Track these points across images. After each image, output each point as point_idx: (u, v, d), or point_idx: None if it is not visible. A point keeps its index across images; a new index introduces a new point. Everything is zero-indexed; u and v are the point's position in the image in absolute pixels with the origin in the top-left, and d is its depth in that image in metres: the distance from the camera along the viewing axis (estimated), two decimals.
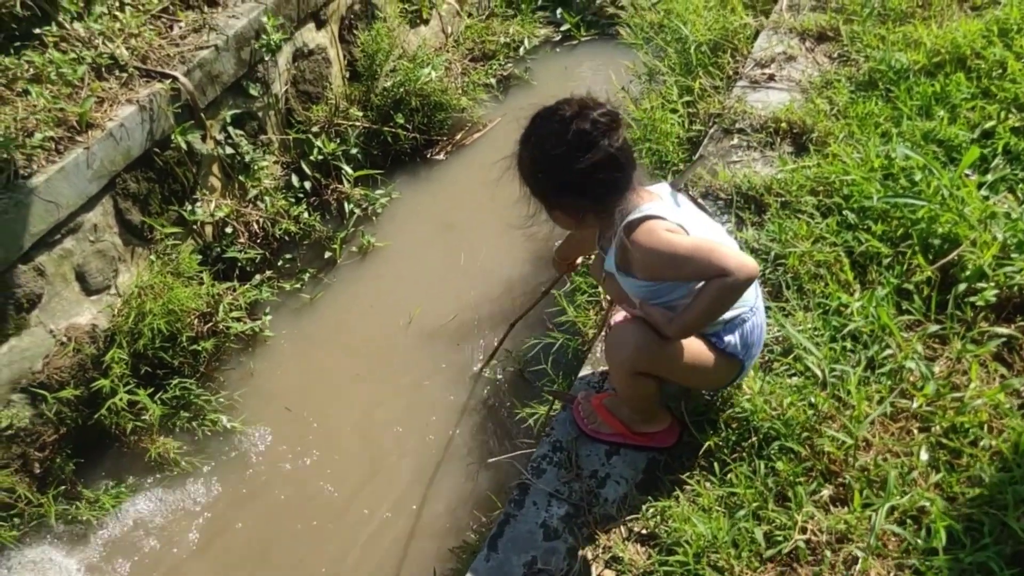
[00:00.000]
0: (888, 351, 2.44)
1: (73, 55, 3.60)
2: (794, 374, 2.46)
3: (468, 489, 3.28)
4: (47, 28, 3.60)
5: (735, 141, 3.41)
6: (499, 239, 4.32)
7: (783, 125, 3.39)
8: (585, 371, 2.67)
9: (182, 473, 3.56)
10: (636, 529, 2.21)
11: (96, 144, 3.45)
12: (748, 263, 1.89)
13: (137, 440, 3.57)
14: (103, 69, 3.67)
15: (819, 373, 2.39)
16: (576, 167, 1.95)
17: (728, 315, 2.10)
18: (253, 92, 4.24)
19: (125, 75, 3.70)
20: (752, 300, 2.16)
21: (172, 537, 3.38)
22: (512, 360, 3.76)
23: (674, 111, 3.77)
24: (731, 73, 3.92)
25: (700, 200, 3.06)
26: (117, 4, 3.86)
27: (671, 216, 2.00)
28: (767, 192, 3.06)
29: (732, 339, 2.14)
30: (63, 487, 3.44)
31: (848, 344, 2.49)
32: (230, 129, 4.16)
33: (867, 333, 2.50)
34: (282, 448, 3.64)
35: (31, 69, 3.47)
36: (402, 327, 4.07)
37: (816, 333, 2.53)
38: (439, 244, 4.51)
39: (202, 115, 3.91)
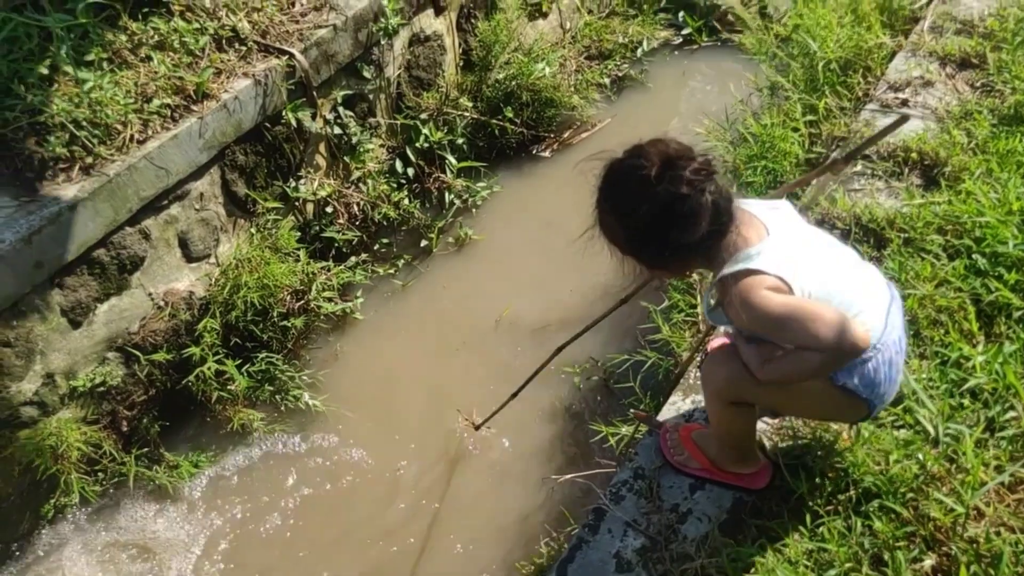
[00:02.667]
0: (1012, 413, 2.25)
1: (197, 25, 3.65)
2: (903, 426, 2.29)
3: (541, 499, 3.20)
4: None
5: (858, 168, 3.21)
6: (597, 242, 4.21)
7: (913, 155, 3.17)
8: (675, 397, 2.55)
9: (262, 446, 3.60)
10: (714, 573, 2.09)
11: (210, 114, 3.49)
12: (849, 340, 1.66)
13: (221, 409, 3.62)
14: (224, 41, 3.71)
15: (931, 429, 2.21)
16: (690, 234, 1.72)
17: None
18: (366, 74, 4.24)
19: (244, 48, 3.74)
20: (877, 336, 1.86)
21: (246, 510, 3.41)
22: (599, 370, 3.65)
23: (795, 130, 3.59)
24: (860, 95, 3.71)
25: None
26: None
27: (773, 267, 1.77)
28: (889, 226, 2.87)
29: (850, 381, 1.89)
30: (146, 449, 3.52)
31: (966, 401, 2.30)
32: (340, 109, 4.17)
33: (989, 391, 2.31)
34: (361, 432, 3.63)
35: (156, 36, 3.54)
36: (491, 324, 4.01)
37: (931, 385, 2.35)
38: (536, 242, 4.42)
39: (314, 93, 3.93)
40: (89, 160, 3.19)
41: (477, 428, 3.30)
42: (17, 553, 3.28)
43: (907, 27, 4.02)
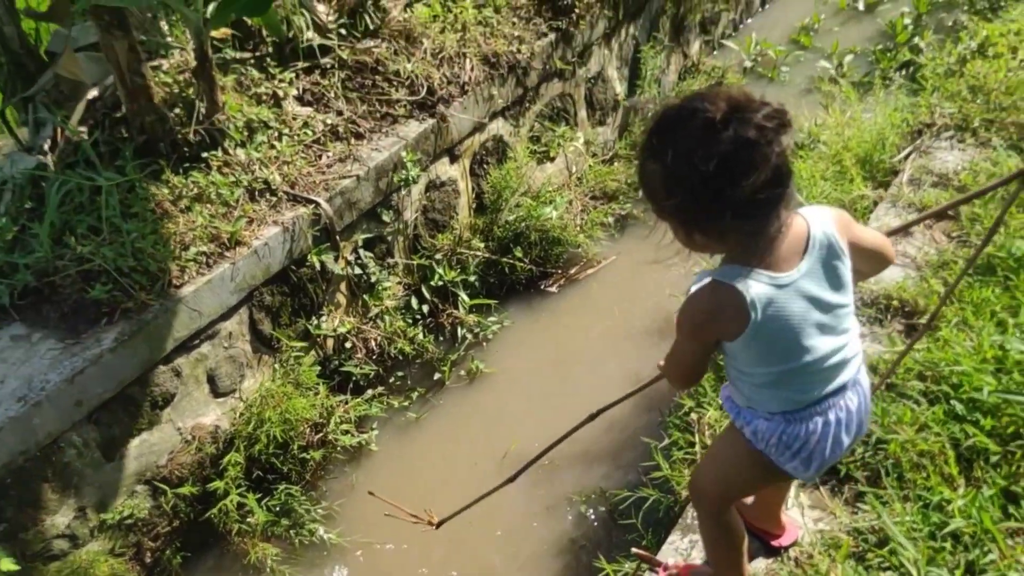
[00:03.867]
0: (991, 556, 2.39)
1: (232, 178, 3.98)
2: (888, 568, 2.43)
3: None
4: (213, 153, 4.01)
5: None
6: (604, 376, 4.42)
7: (895, 303, 3.41)
8: (675, 536, 2.70)
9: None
10: None
11: (241, 260, 3.78)
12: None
13: (240, 541, 3.75)
14: (256, 192, 4.04)
15: (914, 572, 2.36)
16: (741, 188, 1.54)
17: (764, 402, 1.91)
18: (386, 218, 4.56)
19: (274, 198, 4.06)
20: (807, 404, 1.87)
21: None
22: (605, 501, 3.80)
23: None
24: None
25: None
26: (276, 135, 4.26)
27: (759, 304, 1.69)
28: (872, 371, 3.07)
29: (753, 429, 1.95)
30: None
31: (948, 544, 2.44)
32: (361, 251, 4.46)
33: (969, 534, 2.45)
34: (375, 562, 3.74)
35: (195, 188, 3.86)
36: (499, 458, 4.17)
37: (914, 528, 2.50)
38: (545, 375, 4.63)
39: (337, 237, 4.23)
40: (129, 304, 3.45)
41: (437, 527, 3.19)
42: None
43: (887, 179, 4.32)
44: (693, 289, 1.79)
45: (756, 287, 1.69)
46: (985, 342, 3.03)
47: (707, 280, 1.75)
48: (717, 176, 1.54)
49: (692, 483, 2.26)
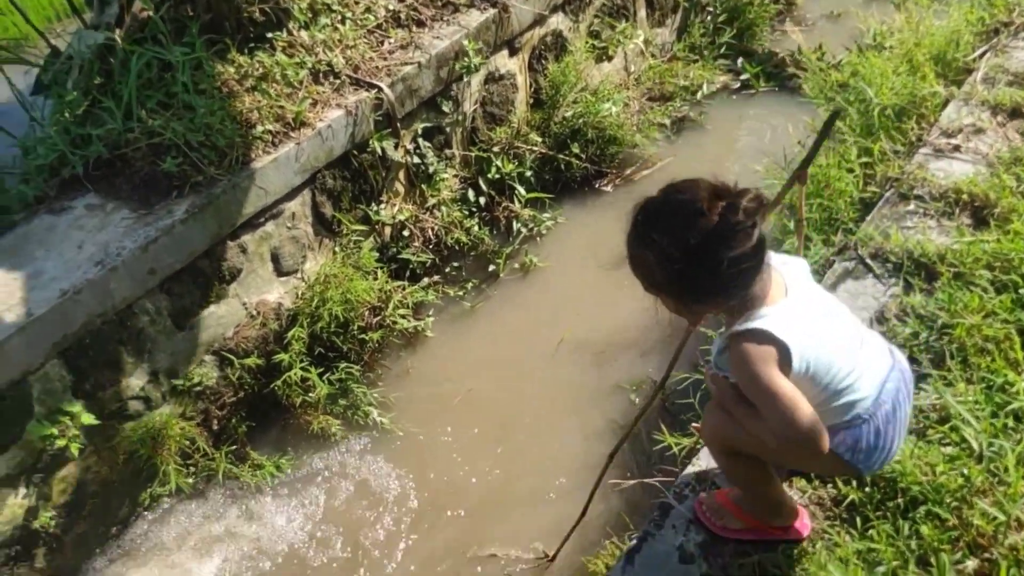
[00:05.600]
0: None
1: (297, 59, 3.99)
2: (948, 444, 2.47)
3: (601, 506, 3.41)
4: (278, 34, 4.02)
5: (911, 207, 3.41)
6: None
7: (964, 197, 3.36)
8: (702, 460, 2.69)
9: (338, 452, 3.85)
10: (769, 567, 2.27)
11: (305, 141, 3.81)
12: (808, 438, 1.75)
13: (303, 414, 3.89)
14: (320, 74, 4.05)
15: (976, 446, 2.39)
16: (725, 261, 1.73)
17: (831, 421, 1.95)
18: (445, 108, 4.55)
19: (338, 81, 4.07)
20: (868, 406, 1.97)
21: (321, 511, 3.65)
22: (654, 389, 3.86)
23: (850, 171, 3.80)
24: (914, 139, 3.90)
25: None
26: (339, 18, 4.25)
27: (782, 331, 1.83)
28: (940, 261, 3.05)
29: (838, 440, 1.97)
30: (234, 446, 3.79)
31: (1010, 422, 2.47)
32: (420, 140, 4.47)
33: None
34: (428, 445, 3.86)
35: (260, 68, 3.88)
36: (553, 345, 4.24)
37: (977, 407, 2.52)
38: (597, 271, 4.65)
39: (398, 125, 4.24)
40: (199, 178, 3.52)
41: (552, 560, 3.26)
42: (116, 537, 3.56)
43: (960, 78, 4.21)
44: (724, 355, 1.95)
45: (773, 322, 1.85)
46: None
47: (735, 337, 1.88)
48: (709, 255, 1.74)
49: (713, 431, 2.16)
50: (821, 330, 1.93)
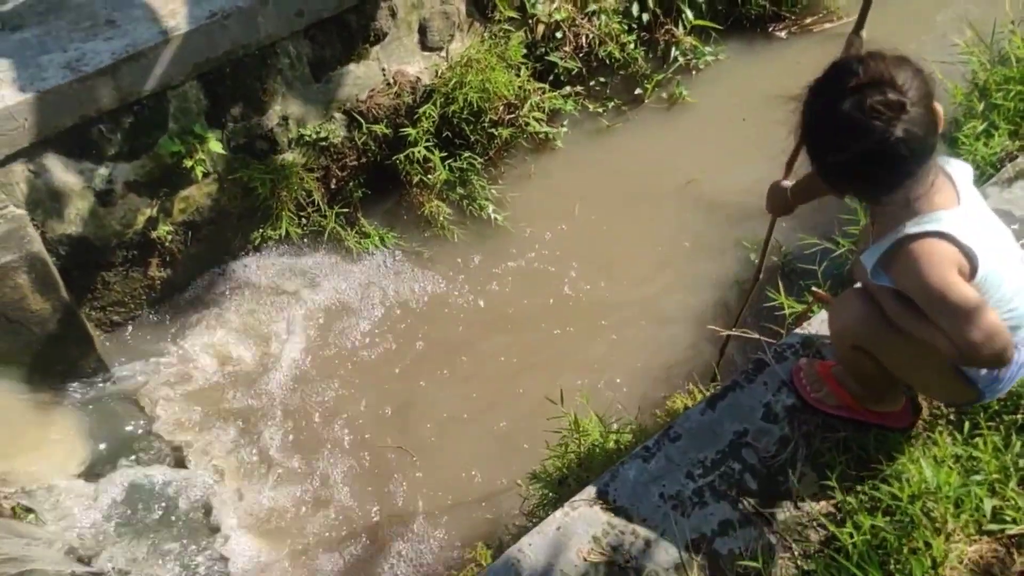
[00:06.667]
0: None
1: None
2: None
3: (692, 353, 3.34)
4: None
5: None
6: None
7: None
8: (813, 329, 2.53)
9: (444, 239, 3.86)
10: (853, 445, 2.18)
11: None
12: (988, 354, 1.61)
13: (418, 193, 3.89)
14: None
15: None
16: (833, 153, 1.65)
17: None
18: None
19: None
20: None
21: (413, 293, 3.71)
22: (779, 253, 3.67)
23: None
24: None
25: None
26: None
27: (963, 236, 1.69)
28: None
29: (975, 372, 1.87)
30: (347, 209, 3.84)
31: None
32: None
33: None
34: (537, 250, 3.83)
35: None
36: (679, 186, 4.06)
37: None
38: (746, 120, 4.37)
39: None
40: None
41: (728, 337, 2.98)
42: (223, 265, 3.72)
43: None
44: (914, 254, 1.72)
45: (952, 225, 1.69)
46: None
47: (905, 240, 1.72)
48: (824, 134, 1.67)
49: (846, 326, 2.00)
50: (996, 243, 1.79)
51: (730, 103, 4.46)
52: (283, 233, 3.66)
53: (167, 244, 3.44)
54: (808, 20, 4.83)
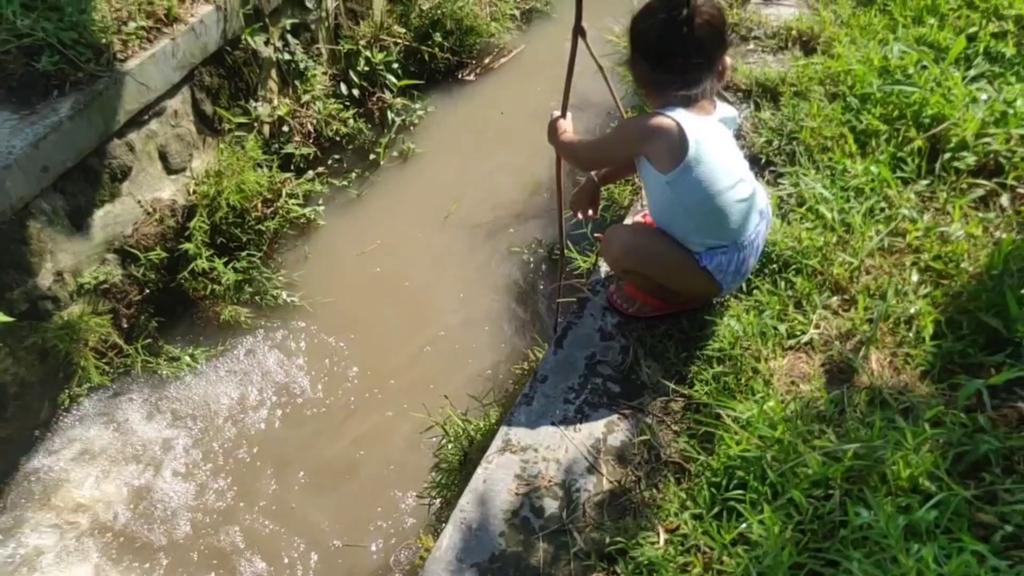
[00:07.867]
0: (883, 205, 2.91)
1: None
2: (806, 221, 2.92)
3: (510, 348, 3.74)
4: None
5: (751, 46, 3.87)
6: (527, 149, 4.76)
7: (793, 33, 3.85)
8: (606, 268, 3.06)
9: (250, 338, 3.99)
10: (674, 332, 2.66)
11: (180, 36, 3.85)
12: (580, 161, 2.67)
13: (211, 305, 4.00)
14: None
15: (829, 216, 2.85)
16: (643, 20, 2.21)
17: (710, 243, 2.37)
18: (308, 5, 4.64)
19: None
20: (735, 237, 2.37)
21: (240, 395, 3.80)
22: (543, 247, 4.21)
23: None
24: None
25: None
26: None
27: (689, 129, 2.17)
28: (781, 83, 3.52)
29: (710, 264, 2.39)
30: (148, 340, 3.86)
31: (851, 195, 2.95)
32: (288, 37, 4.56)
33: (868, 189, 2.97)
34: (336, 320, 4.07)
35: None
36: (441, 220, 4.50)
37: (825, 188, 2.99)
38: (471, 153, 4.94)
39: (267, 19, 4.31)
40: (79, 76, 3.51)
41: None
42: (40, 439, 3.59)
43: None
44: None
45: (687, 120, 2.19)
46: (871, 53, 3.52)
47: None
48: (642, 14, 2.23)
49: (616, 256, 2.56)
50: (727, 153, 2.30)
51: (452, 143, 5.01)
52: (93, 384, 3.61)
53: None
54: (487, 60, 5.54)
